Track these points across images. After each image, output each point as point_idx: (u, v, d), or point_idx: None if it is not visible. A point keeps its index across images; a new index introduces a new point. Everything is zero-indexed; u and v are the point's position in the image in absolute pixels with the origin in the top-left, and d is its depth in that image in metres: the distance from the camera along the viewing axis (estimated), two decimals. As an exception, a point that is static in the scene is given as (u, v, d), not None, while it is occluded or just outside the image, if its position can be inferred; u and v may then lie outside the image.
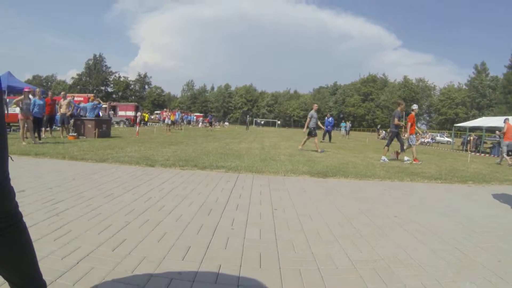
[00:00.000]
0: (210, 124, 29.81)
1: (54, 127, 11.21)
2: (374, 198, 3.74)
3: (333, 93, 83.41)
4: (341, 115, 76.95)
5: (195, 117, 46.08)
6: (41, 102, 8.70)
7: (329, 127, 16.63)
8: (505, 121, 9.88)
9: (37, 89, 9.38)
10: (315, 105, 10.20)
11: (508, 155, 9.39)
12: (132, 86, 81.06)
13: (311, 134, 9.69)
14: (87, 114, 11.57)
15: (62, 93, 11.14)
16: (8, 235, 1.07)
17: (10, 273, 1.12)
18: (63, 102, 10.49)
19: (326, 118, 17.22)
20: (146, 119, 30.54)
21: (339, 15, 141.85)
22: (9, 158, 1.09)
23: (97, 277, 1.55)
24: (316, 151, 9.28)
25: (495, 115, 35.31)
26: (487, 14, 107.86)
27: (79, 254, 1.79)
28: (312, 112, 9.75)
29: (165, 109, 24.10)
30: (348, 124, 27.89)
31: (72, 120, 10.84)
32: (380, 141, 25.21)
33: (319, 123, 10.27)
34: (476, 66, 68.36)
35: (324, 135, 16.22)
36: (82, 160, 5.33)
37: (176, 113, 22.06)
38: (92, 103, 12.02)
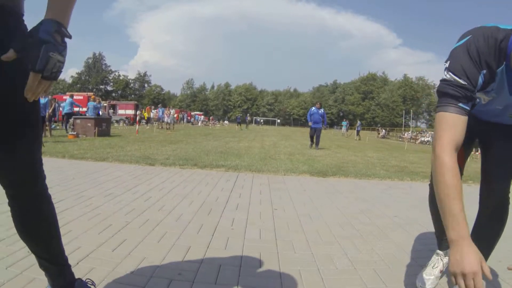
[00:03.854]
0: (239, 124, 31.43)
1: (53, 125, 11.23)
2: (374, 198, 3.74)
3: (333, 92, 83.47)
4: (341, 113, 76.96)
5: (198, 116, 46.03)
6: (44, 101, 8.67)
7: (319, 123, 10.29)
8: None
9: None
10: None
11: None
12: (131, 85, 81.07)
13: None
14: (87, 113, 11.60)
15: None
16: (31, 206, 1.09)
17: (38, 246, 1.17)
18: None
19: (314, 108, 10.49)
20: (146, 118, 30.56)
21: (339, 13, 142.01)
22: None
23: (97, 277, 1.55)
24: None
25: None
26: (487, 12, 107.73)
27: (79, 254, 1.79)
28: None
29: (152, 106, 23.86)
30: (358, 123, 26.11)
31: (72, 119, 10.86)
32: (380, 140, 25.19)
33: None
34: (476, 65, 68.25)
35: (312, 137, 10.41)
36: (82, 159, 5.33)
37: (159, 109, 21.61)
38: (94, 103, 12.12)
